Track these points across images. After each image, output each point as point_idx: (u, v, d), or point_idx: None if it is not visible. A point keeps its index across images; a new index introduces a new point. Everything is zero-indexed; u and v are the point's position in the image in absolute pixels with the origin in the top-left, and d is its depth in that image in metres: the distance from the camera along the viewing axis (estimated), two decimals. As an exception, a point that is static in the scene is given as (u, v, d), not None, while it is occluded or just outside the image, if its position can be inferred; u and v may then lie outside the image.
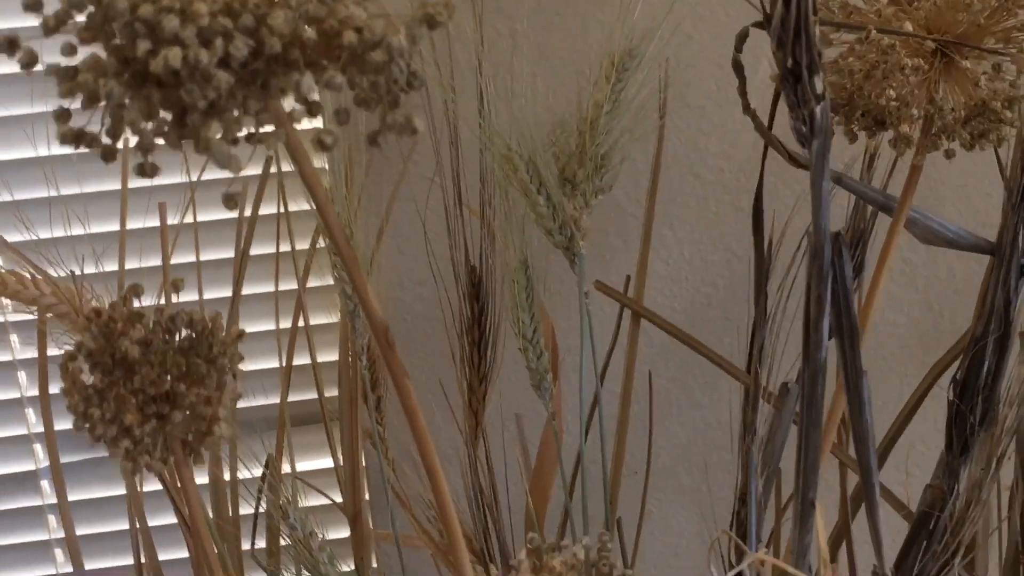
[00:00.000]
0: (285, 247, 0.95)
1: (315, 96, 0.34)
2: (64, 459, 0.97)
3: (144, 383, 0.43)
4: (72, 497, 1.06)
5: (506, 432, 0.95)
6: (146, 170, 0.35)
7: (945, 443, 0.75)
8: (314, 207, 0.38)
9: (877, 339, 1.17)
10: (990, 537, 0.78)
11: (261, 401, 1.00)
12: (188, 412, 0.44)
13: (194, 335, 0.44)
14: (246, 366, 0.95)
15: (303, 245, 0.96)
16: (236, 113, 0.34)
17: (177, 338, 0.44)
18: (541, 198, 0.81)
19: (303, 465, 1.03)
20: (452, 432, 0.94)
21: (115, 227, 0.97)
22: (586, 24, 0.97)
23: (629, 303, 0.88)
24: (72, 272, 0.81)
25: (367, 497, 1.02)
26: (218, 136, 0.33)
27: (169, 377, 0.44)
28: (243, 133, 0.35)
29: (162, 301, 0.83)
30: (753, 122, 0.72)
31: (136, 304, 0.45)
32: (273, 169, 0.93)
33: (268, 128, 0.35)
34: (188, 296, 0.95)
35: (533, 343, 0.83)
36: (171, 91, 0.33)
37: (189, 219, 0.95)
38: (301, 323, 0.95)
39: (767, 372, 0.81)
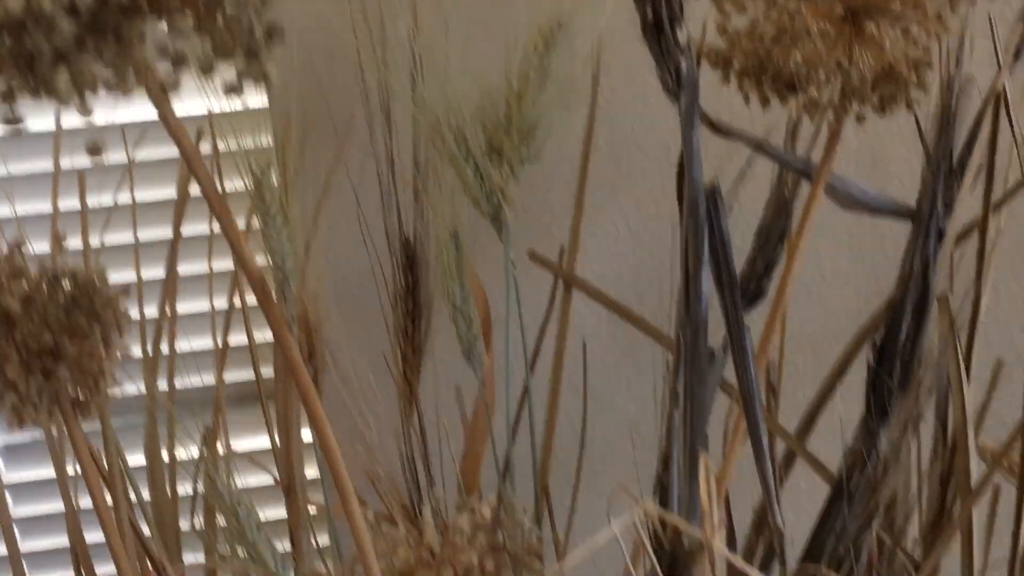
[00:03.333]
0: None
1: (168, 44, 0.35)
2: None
3: (25, 338, 0.43)
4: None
5: (445, 403, 0.96)
6: (11, 119, 0.36)
7: (864, 407, 0.76)
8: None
9: (824, 313, 1.18)
10: (909, 497, 0.79)
11: (198, 382, 1.01)
12: (74, 368, 0.45)
13: (76, 290, 0.45)
14: (183, 347, 0.96)
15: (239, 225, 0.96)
16: (89, 61, 0.35)
17: (60, 294, 0.45)
18: (469, 168, 0.82)
19: (246, 444, 1.04)
20: (392, 403, 0.94)
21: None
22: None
23: (560, 271, 0.89)
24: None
25: (310, 474, 1.02)
26: (66, 84, 0.34)
27: (52, 333, 0.44)
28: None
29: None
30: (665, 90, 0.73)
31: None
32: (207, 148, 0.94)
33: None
34: (125, 276, 0.95)
35: (463, 312, 0.83)
36: (18, 40, 0.34)
37: (127, 199, 0.96)
38: (238, 303, 0.96)
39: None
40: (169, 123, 0.38)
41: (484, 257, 0.88)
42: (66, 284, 0.45)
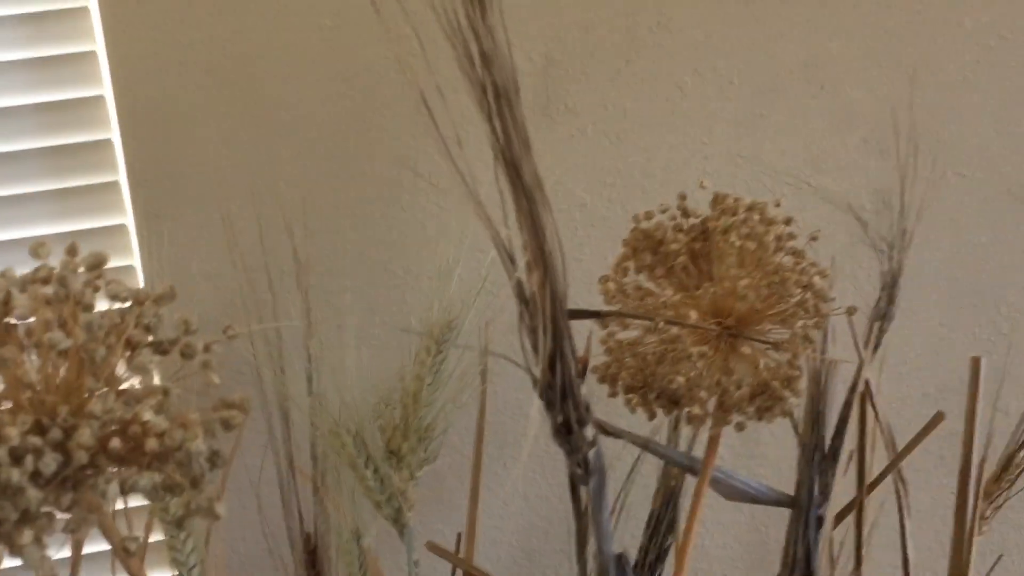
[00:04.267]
0: None
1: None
2: None
3: None
4: None
5: None
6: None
7: None
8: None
9: (708, 564, 1.21)
10: None
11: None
12: None
13: None
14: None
15: None
16: (48, 512, 0.37)
17: None
18: (368, 471, 0.84)
19: None
20: None
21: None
22: (407, 297, 1.01)
23: (459, 563, 0.91)
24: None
25: None
26: (30, 541, 0.36)
27: None
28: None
29: None
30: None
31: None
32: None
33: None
34: None
35: (367, 612, 0.85)
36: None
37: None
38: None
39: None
40: (120, 556, 0.40)
41: (388, 552, 0.90)
42: None
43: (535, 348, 0.42)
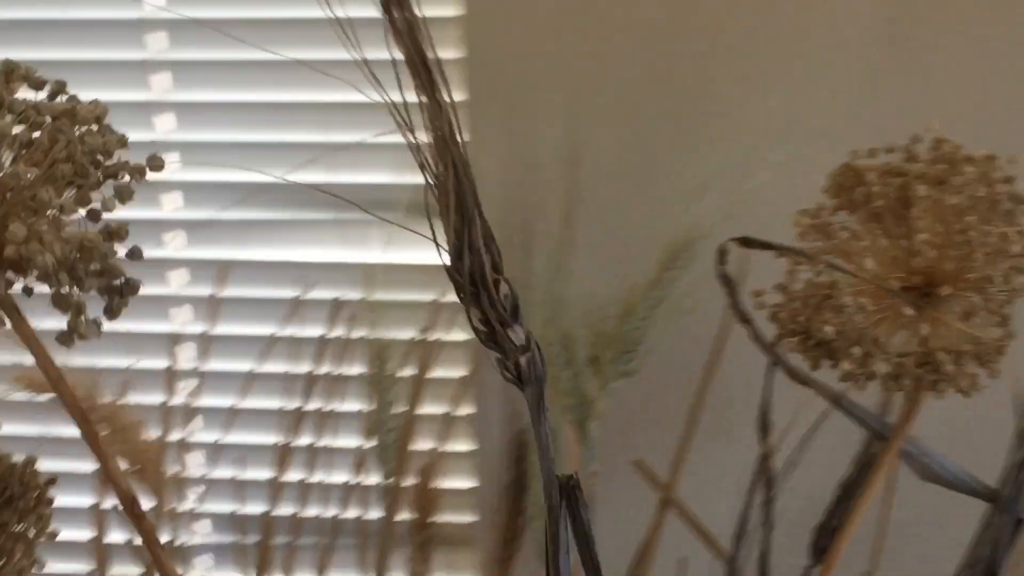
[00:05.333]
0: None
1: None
2: None
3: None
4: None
5: None
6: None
7: None
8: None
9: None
10: None
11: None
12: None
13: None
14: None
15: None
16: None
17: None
18: (566, 374, 0.83)
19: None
20: None
21: None
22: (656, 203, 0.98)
23: (662, 489, 0.88)
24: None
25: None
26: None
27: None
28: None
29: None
30: (748, 332, 0.73)
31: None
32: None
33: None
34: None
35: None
36: None
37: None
38: None
39: None
40: (35, 353, 0.42)
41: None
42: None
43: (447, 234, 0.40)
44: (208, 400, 1.06)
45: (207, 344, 1.06)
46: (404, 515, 0.94)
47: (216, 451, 1.07)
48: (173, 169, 1.08)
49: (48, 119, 0.38)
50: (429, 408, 1.01)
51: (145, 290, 0.42)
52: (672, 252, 0.85)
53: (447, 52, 1.03)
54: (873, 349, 0.63)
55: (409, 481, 0.93)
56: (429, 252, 0.41)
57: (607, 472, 0.87)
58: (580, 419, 0.83)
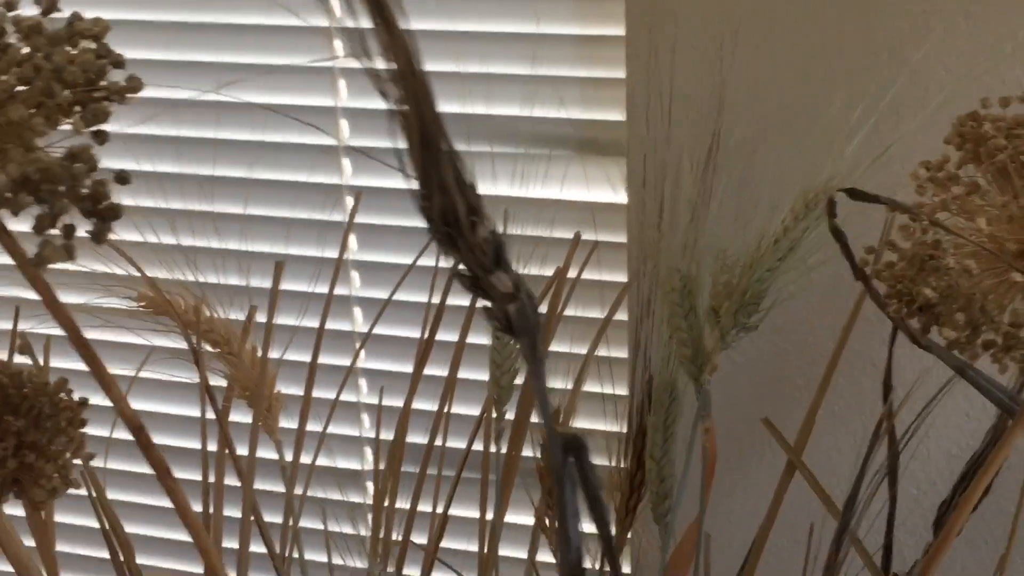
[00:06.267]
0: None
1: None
2: None
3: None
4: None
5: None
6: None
7: None
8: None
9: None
10: None
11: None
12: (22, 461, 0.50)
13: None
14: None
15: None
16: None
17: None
18: (685, 323, 0.80)
19: None
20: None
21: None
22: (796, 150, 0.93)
23: (791, 452, 0.84)
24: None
25: None
26: None
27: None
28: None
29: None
30: (868, 291, 0.68)
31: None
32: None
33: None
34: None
35: (659, 465, 0.82)
36: None
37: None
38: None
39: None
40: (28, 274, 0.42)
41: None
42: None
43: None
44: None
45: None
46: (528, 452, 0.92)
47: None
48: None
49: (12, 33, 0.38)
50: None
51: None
52: (807, 202, 0.81)
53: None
54: (980, 316, 0.58)
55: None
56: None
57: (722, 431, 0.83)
58: (696, 370, 0.79)
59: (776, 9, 0.98)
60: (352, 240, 1.21)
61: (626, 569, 1.12)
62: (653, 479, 0.82)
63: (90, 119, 0.38)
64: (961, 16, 0.94)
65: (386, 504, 0.95)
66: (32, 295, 0.42)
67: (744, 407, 1.03)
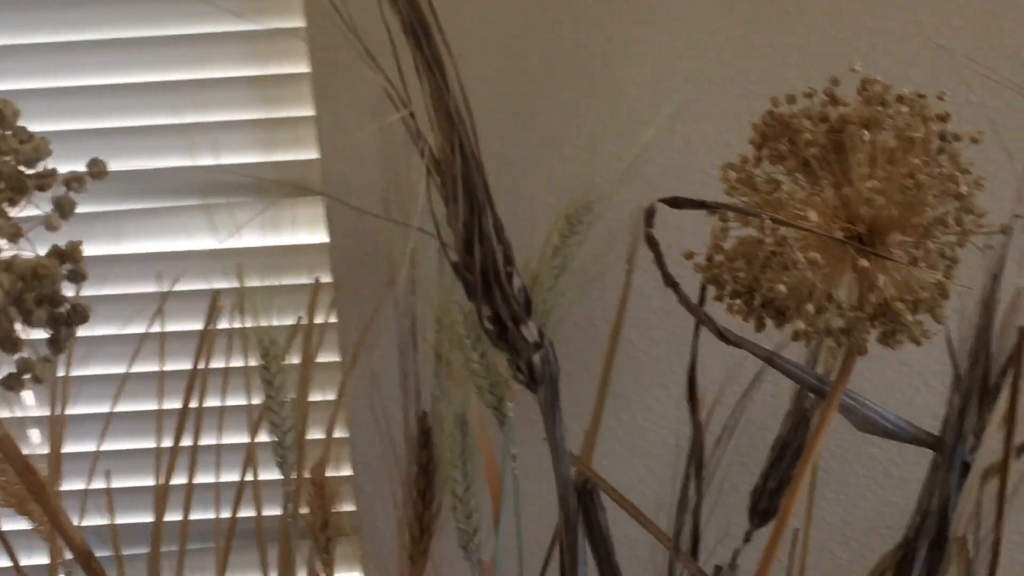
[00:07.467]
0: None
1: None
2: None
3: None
4: None
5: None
6: None
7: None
8: None
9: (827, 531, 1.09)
10: None
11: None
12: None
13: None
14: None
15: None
16: None
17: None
18: (475, 354, 0.78)
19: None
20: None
21: None
22: (550, 170, 0.94)
23: (578, 463, 0.84)
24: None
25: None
26: None
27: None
28: None
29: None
30: (677, 295, 0.69)
31: None
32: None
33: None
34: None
35: (463, 501, 0.80)
36: None
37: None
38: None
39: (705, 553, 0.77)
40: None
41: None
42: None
43: (451, 225, 0.34)
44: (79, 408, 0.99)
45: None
46: (304, 509, 0.88)
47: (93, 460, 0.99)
48: None
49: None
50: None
51: None
52: (570, 217, 0.81)
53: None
54: (827, 305, 0.60)
55: (306, 473, 0.88)
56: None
57: (525, 455, 0.83)
58: (496, 401, 0.78)
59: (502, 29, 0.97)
60: None
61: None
62: (460, 516, 0.80)
63: (65, 211, 0.33)
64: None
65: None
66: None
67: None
